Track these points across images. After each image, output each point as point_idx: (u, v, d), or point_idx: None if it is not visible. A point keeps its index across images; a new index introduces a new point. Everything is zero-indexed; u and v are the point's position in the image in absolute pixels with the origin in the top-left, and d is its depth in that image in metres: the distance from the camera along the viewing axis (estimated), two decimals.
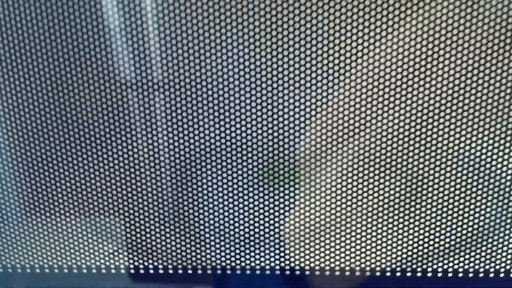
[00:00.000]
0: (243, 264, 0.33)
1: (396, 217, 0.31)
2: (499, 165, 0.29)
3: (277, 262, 0.33)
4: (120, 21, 0.28)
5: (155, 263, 0.34)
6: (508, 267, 0.31)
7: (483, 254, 0.31)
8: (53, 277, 0.35)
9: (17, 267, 0.35)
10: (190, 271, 0.34)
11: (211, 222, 0.32)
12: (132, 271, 0.34)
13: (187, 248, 0.33)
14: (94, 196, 0.32)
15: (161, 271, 0.34)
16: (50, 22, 0.29)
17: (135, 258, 0.34)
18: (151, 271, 0.34)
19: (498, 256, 0.31)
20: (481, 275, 0.32)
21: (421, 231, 0.31)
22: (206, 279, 0.34)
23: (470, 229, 0.31)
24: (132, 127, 0.31)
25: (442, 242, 0.31)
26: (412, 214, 0.31)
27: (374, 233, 0.31)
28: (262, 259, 0.33)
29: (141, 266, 0.34)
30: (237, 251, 0.33)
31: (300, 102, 0.29)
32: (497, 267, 0.32)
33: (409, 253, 0.32)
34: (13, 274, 0.35)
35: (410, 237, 0.31)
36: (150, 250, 0.33)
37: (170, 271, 0.34)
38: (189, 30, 0.28)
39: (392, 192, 0.30)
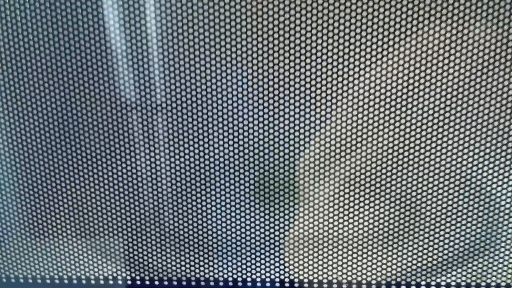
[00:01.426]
0: (244, 276, 0.34)
1: (392, 231, 0.32)
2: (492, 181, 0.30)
3: (277, 274, 0.33)
4: (123, 42, 0.29)
5: (155, 275, 0.34)
6: (498, 280, 0.32)
7: (474, 268, 0.32)
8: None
9: (20, 277, 0.35)
10: (193, 283, 0.34)
11: (211, 234, 0.33)
12: (131, 282, 0.34)
13: (187, 259, 0.34)
14: (97, 210, 0.33)
15: (157, 283, 0.34)
16: (54, 44, 0.29)
17: (136, 271, 0.34)
18: (150, 283, 0.34)
19: (489, 271, 0.32)
20: None
21: (416, 246, 0.32)
22: None
23: (463, 243, 0.31)
24: (134, 146, 0.31)
25: (436, 257, 0.32)
26: (406, 229, 0.31)
27: (369, 247, 0.32)
28: (263, 271, 0.33)
29: (144, 278, 0.34)
30: (238, 263, 0.33)
31: (298, 118, 0.29)
32: (488, 281, 0.32)
33: (404, 267, 0.32)
34: (15, 284, 0.35)
35: (406, 251, 0.32)
36: (150, 262, 0.34)
37: (165, 283, 0.34)
38: (191, 53, 0.28)
39: (387, 207, 0.31)
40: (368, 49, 0.27)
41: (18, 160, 0.32)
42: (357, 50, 0.27)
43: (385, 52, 0.28)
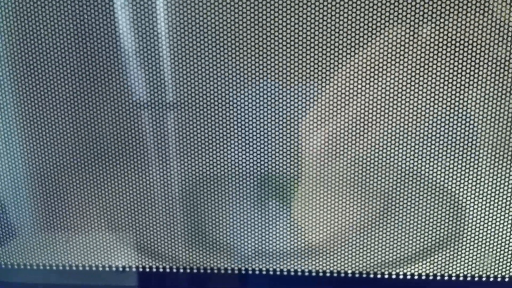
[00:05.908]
0: (252, 266, 0.34)
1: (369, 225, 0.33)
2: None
3: (289, 264, 0.34)
4: (134, 40, 0.29)
5: (167, 264, 0.35)
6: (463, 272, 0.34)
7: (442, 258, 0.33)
8: (65, 275, 0.36)
9: (33, 265, 0.36)
10: (202, 271, 0.35)
11: (221, 224, 0.33)
12: (142, 270, 0.35)
13: (196, 249, 0.34)
14: (107, 206, 0.34)
15: (168, 270, 0.35)
16: (65, 43, 0.29)
17: (147, 259, 0.35)
18: (163, 271, 0.35)
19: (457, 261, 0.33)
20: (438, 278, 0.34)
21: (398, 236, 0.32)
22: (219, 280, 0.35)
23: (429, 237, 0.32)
24: (144, 144, 0.32)
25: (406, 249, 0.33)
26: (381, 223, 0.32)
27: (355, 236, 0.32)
28: (271, 262, 0.34)
29: (154, 267, 0.35)
30: (246, 253, 0.33)
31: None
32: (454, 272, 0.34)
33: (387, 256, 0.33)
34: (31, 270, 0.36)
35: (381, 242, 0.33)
36: (161, 251, 0.34)
37: (177, 270, 0.35)
38: (202, 50, 0.28)
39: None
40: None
41: (32, 155, 0.33)
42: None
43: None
